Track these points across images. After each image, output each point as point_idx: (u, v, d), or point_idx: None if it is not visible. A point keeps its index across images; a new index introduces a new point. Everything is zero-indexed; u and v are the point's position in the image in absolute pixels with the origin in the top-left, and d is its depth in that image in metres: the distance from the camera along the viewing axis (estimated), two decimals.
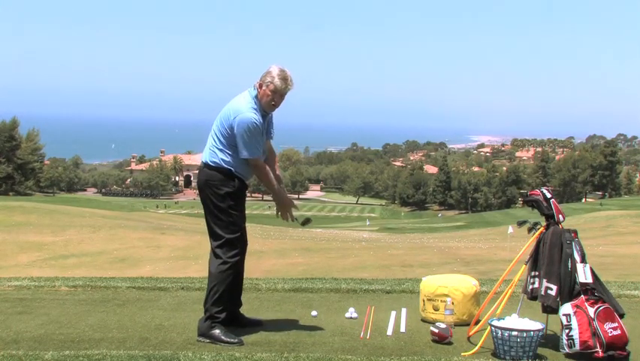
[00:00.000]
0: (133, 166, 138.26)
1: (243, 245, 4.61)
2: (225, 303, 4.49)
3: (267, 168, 4.52)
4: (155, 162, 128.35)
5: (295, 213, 4.63)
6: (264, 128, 4.46)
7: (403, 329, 4.79)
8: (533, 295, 4.38)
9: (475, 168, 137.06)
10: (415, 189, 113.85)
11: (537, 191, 4.54)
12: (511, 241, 18.89)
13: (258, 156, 4.43)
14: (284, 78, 4.33)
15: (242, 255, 4.61)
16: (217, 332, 4.40)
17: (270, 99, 4.37)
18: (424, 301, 5.06)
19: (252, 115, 4.34)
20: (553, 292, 4.26)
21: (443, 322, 4.59)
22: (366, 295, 6.07)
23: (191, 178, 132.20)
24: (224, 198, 4.46)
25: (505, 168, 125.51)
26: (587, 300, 4.13)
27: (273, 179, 4.55)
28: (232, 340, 4.33)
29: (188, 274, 14.04)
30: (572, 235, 4.34)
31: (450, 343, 4.43)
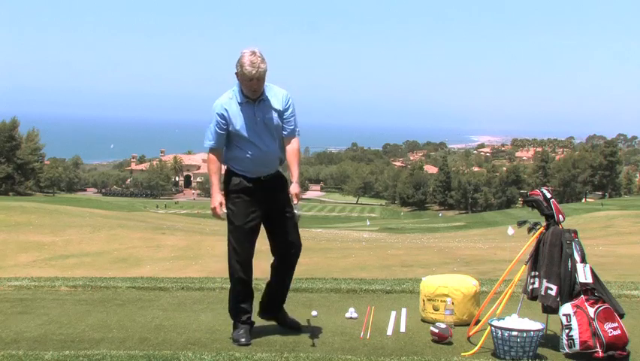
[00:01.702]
0: (133, 166, 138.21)
1: (249, 249, 4.47)
2: (241, 308, 4.50)
3: (213, 163, 4.44)
4: (155, 162, 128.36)
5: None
6: (243, 114, 4.34)
7: (402, 329, 4.78)
8: (533, 295, 4.38)
9: (475, 168, 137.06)
10: (415, 189, 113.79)
11: (537, 191, 4.54)
12: (511, 241, 18.89)
13: (209, 146, 4.42)
14: (251, 63, 4.19)
15: (249, 259, 4.49)
16: (233, 332, 4.48)
17: (247, 87, 4.30)
18: (424, 301, 5.05)
19: (216, 103, 4.41)
20: (553, 292, 4.26)
21: (443, 322, 4.58)
22: (366, 295, 6.06)
23: (191, 178, 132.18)
24: (227, 198, 4.47)
25: (505, 168, 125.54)
26: (587, 300, 4.13)
27: (215, 176, 4.44)
28: (237, 339, 4.38)
29: (188, 274, 14.03)
30: (572, 235, 4.34)
31: (450, 343, 4.43)
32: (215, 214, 4.43)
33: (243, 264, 4.44)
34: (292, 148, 4.46)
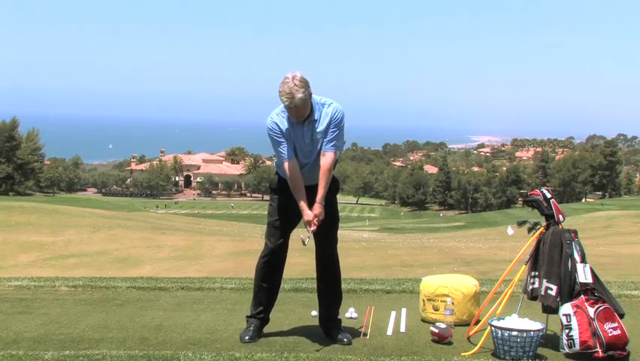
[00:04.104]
0: (133, 166, 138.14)
1: (277, 246, 4.49)
2: (256, 301, 4.58)
3: (292, 172, 4.28)
4: (155, 162, 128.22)
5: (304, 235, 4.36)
6: (293, 133, 4.28)
7: (403, 329, 4.78)
8: (533, 295, 4.37)
9: (475, 168, 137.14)
10: (415, 189, 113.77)
11: (537, 191, 4.54)
12: (511, 241, 18.89)
13: (284, 160, 4.30)
14: (286, 93, 4.09)
15: (275, 256, 4.52)
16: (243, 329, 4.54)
17: (289, 112, 4.22)
18: (424, 301, 5.05)
19: (268, 120, 4.32)
20: (553, 292, 4.26)
21: (443, 322, 4.58)
22: (366, 295, 6.06)
23: (191, 178, 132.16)
24: (270, 195, 4.59)
25: (505, 168, 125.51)
26: (587, 300, 4.13)
27: (296, 185, 4.28)
28: (240, 336, 4.46)
29: (188, 274, 14.04)
30: (572, 235, 4.33)
31: (450, 343, 4.43)
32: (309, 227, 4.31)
33: (272, 249, 4.50)
34: (323, 164, 4.30)
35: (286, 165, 4.30)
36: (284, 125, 4.28)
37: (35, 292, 6.16)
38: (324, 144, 4.31)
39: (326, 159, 4.29)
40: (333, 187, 4.43)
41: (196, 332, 4.64)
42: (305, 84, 4.12)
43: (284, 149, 4.29)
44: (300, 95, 4.08)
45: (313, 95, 4.24)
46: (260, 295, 4.58)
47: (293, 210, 4.36)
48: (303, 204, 4.27)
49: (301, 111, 4.18)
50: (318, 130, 4.29)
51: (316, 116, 4.28)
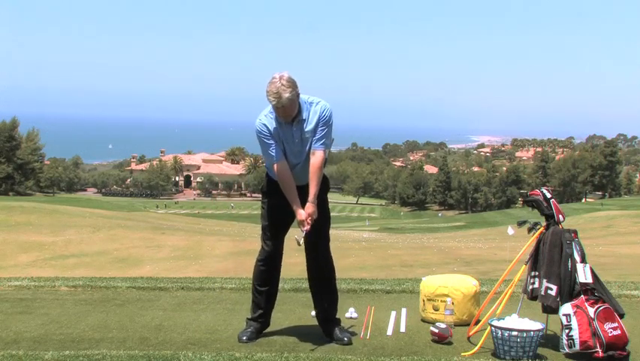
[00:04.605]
0: (133, 166, 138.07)
1: (274, 249, 4.51)
2: (256, 304, 4.59)
3: (282, 173, 4.28)
4: (155, 162, 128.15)
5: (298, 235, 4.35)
6: (282, 133, 4.27)
7: (403, 329, 4.79)
8: (533, 295, 4.38)
9: (475, 168, 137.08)
10: (415, 189, 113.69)
11: (537, 191, 4.54)
12: (511, 241, 18.89)
13: (274, 161, 4.29)
14: (272, 93, 4.08)
15: (272, 259, 4.53)
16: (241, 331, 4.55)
17: (276, 113, 4.21)
18: (424, 301, 5.05)
19: (257, 121, 4.31)
20: (553, 292, 4.26)
21: (443, 322, 4.58)
22: (366, 295, 6.06)
23: (191, 178, 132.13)
24: (262, 197, 4.58)
25: (505, 168, 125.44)
26: (587, 300, 4.13)
27: (287, 186, 4.27)
28: (239, 336, 4.47)
29: (188, 274, 14.04)
30: (572, 235, 4.33)
31: (450, 343, 4.43)
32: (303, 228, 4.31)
33: (268, 252, 4.52)
34: (313, 163, 4.30)
35: (276, 166, 4.30)
36: (272, 125, 4.28)
37: (35, 292, 6.17)
38: (314, 142, 4.31)
39: (316, 157, 4.30)
40: (324, 186, 4.44)
41: (196, 332, 4.65)
42: (292, 84, 4.12)
43: (273, 150, 4.29)
44: (287, 94, 4.09)
45: (301, 95, 4.24)
46: (259, 298, 4.58)
47: (286, 211, 4.35)
48: (295, 205, 4.27)
49: (289, 111, 4.18)
50: (306, 129, 4.29)
51: (304, 116, 4.28)
